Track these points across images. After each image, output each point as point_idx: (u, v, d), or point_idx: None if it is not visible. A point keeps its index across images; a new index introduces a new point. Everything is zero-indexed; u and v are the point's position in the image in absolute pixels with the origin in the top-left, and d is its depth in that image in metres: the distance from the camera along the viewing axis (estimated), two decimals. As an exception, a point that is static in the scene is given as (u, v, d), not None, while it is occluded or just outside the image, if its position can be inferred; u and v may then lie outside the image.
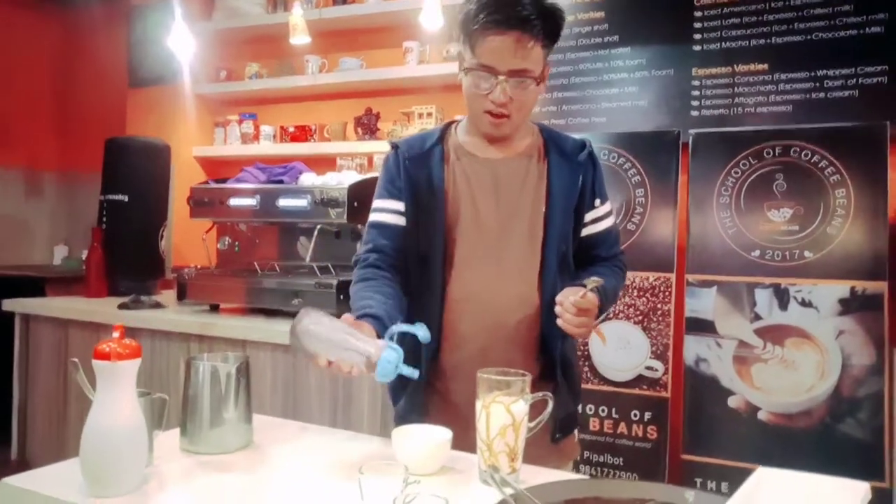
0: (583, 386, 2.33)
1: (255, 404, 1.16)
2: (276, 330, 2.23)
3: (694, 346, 2.27)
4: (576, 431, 1.37)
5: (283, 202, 2.49)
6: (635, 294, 2.36)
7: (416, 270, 1.30)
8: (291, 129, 3.38)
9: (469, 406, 1.19)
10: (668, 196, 2.37)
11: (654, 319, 2.34)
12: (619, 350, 2.35)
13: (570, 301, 1.13)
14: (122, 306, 2.62)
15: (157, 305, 2.70)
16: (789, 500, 0.78)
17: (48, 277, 3.54)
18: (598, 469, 2.35)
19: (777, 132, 2.28)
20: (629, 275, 2.34)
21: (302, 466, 1.06)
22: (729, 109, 2.57)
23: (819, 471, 2.13)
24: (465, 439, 1.07)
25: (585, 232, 1.33)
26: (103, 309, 2.64)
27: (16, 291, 3.32)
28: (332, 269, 2.49)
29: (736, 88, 2.55)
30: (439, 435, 1.05)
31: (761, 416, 2.15)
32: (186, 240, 3.39)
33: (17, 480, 0.93)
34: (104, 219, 3.16)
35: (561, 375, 1.28)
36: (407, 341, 1.25)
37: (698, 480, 2.23)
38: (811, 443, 2.08)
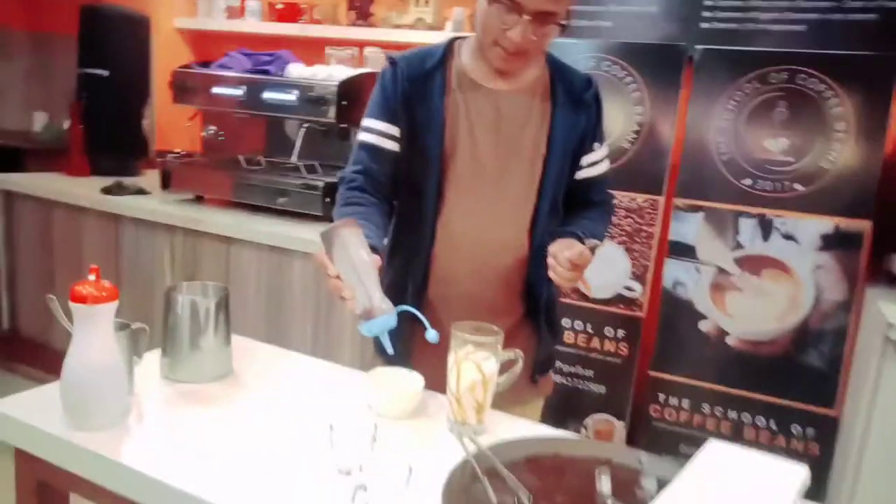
0: (562, 300, 2.40)
1: (236, 306, 1.18)
2: (261, 230, 2.23)
3: (673, 270, 2.31)
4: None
5: (270, 95, 2.40)
6: (622, 214, 2.36)
7: (406, 200, 1.28)
8: (279, 6, 3.18)
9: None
10: (667, 116, 2.31)
11: (638, 241, 2.35)
12: (601, 270, 2.39)
13: (566, 256, 1.12)
14: (105, 191, 2.59)
15: (141, 192, 2.67)
16: (735, 475, 0.83)
17: (29, 148, 3.45)
18: (570, 378, 2.46)
19: (785, 55, 2.18)
20: (617, 194, 2.33)
21: (279, 401, 1.09)
22: (741, 24, 2.44)
23: (777, 396, 2.23)
24: (444, 375, 1.10)
25: (580, 175, 1.31)
26: (86, 192, 2.61)
27: (-5, 161, 3.26)
28: (318, 169, 2.45)
29: (751, 2, 2.41)
30: (412, 382, 1.08)
31: (729, 341, 2.23)
32: (170, 122, 3.29)
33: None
34: (83, 93, 3.04)
35: (544, 319, 1.30)
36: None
37: (662, 396, 2.35)
38: (773, 370, 2.17)
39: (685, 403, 2.32)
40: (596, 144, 1.30)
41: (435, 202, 1.23)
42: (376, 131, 1.26)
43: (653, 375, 2.36)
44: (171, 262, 2.45)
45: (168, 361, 1.11)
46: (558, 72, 1.26)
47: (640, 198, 2.34)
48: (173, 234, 2.42)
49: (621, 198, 2.33)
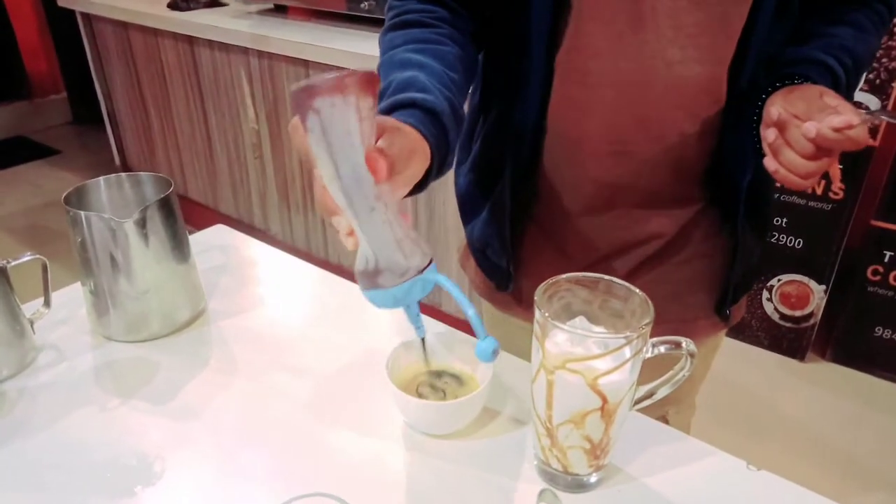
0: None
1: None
2: (341, 49, 1.73)
3: (936, 75, 1.53)
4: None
5: None
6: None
7: (501, 20, 0.70)
8: None
9: (576, 243, 0.76)
10: None
11: (882, 32, 1.56)
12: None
13: (810, 131, 0.52)
14: (171, 6, 2.18)
15: (215, 3, 2.23)
16: None
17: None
18: (750, 227, 1.86)
19: None
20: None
21: (254, 382, 0.66)
22: None
23: None
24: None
25: None
26: (156, 11, 2.22)
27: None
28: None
29: None
30: (475, 368, 0.62)
31: None
32: None
33: None
34: None
35: (745, 215, 0.71)
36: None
37: (888, 253, 1.71)
38: None
39: (924, 266, 1.67)
40: None
41: (550, 21, 0.64)
42: None
43: (877, 226, 1.71)
44: (251, 92, 2.06)
45: (92, 311, 0.71)
46: None
47: (897, -39, 1.49)
48: (248, 55, 2.00)
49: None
